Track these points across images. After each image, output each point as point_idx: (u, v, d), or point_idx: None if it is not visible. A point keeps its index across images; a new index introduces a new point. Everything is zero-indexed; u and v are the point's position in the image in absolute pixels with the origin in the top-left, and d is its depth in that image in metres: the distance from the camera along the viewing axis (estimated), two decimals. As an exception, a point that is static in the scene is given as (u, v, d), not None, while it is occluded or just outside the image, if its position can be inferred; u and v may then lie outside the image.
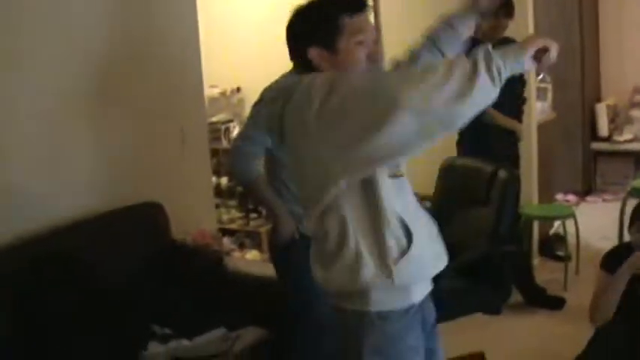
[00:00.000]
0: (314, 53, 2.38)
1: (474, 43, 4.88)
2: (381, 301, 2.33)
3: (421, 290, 2.44)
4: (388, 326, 2.35)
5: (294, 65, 2.58)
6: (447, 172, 4.74)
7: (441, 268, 2.46)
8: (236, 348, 3.52)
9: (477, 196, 4.43)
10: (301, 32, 2.44)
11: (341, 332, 2.44)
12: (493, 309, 4.85)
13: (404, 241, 2.30)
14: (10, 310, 3.22)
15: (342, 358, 2.45)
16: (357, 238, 2.28)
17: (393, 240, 2.29)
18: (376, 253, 2.29)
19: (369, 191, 2.28)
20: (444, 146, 4.15)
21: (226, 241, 6.40)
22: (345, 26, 2.37)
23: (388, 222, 2.28)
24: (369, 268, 2.28)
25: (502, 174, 4.39)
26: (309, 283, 2.56)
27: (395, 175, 2.34)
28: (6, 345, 3.12)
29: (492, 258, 4.16)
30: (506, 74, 2.11)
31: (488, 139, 5.00)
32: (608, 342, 3.66)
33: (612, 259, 3.79)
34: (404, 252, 2.30)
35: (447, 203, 4.58)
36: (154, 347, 3.46)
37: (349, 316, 2.38)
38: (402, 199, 2.36)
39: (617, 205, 5.97)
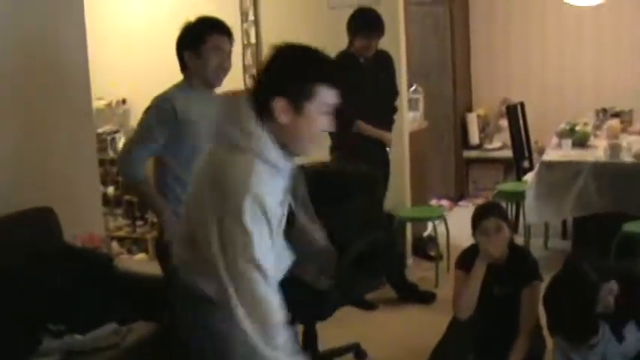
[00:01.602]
0: (278, 105, 2.40)
1: (350, 57, 5.28)
2: None
3: None
4: None
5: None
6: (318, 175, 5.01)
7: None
8: (127, 340, 3.73)
9: (343, 194, 4.71)
10: (274, 80, 2.45)
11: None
12: (363, 299, 5.18)
13: None
14: None
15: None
16: None
17: None
18: None
19: None
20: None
21: (115, 246, 6.58)
22: (319, 94, 2.42)
23: None
24: None
25: (365, 175, 4.69)
26: None
27: None
28: None
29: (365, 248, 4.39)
30: None
31: (358, 146, 5.34)
32: (460, 328, 4.06)
33: (466, 259, 4.20)
34: None
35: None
36: (49, 342, 3.64)
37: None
38: None
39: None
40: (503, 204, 6.51)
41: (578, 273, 3.45)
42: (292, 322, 2.81)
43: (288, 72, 2.44)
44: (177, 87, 3.84)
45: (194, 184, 2.65)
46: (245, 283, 2.36)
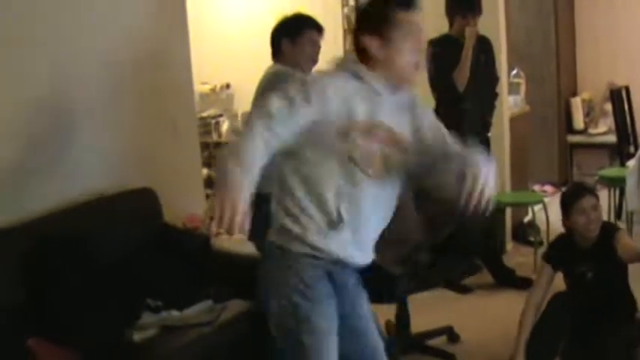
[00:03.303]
0: (369, 40, 2.67)
1: (451, 40, 5.29)
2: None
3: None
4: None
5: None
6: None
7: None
8: (222, 318, 3.85)
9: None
10: (361, 19, 2.80)
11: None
12: (459, 283, 5.19)
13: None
14: (22, 284, 3.57)
15: None
16: None
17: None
18: None
19: None
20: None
21: (213, 226, 6.70)
22: (403, 22, 2.66)
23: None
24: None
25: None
26: None
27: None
28: (20, 315, 3.46)
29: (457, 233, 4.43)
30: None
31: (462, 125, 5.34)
32: (553, 316, 4.05)
33: (555, 252, 4.21)
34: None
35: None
36: (147, 317, 3.79)
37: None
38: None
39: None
40: (605, 190, 6.42)
41: None
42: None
43: (371, 6, 2.73)
44: (271, 68, 4.19)
45: None
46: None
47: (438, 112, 5.21)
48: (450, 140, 2.84)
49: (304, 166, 2.65)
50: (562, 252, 4.14)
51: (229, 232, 2.35)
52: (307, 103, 2.53)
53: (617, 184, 6.78)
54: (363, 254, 2.80)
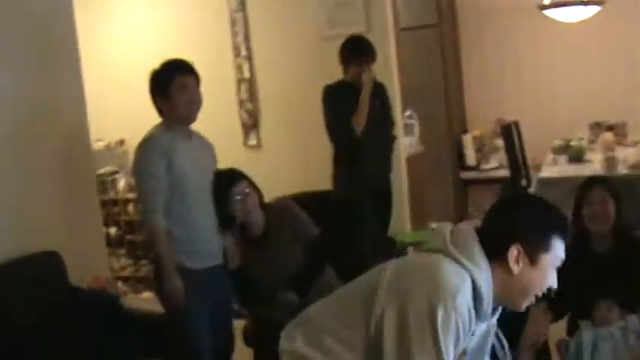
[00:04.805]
0: (515, 252, 2.31)
1: (347, 86, 5.34)
2: None
3: None
4: None
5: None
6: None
7: None
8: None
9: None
10: (515, 226, 2.34)
11: None
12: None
13: None
14: None
15: None
16: None
17: None
18: None
19: None
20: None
21: (120, 286, 6.60)
22: (556, 248, 2.35)
23: None
24: None
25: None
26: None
27: None
28: None
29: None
30: None
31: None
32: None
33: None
34: None
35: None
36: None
37: None
38: None
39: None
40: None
41: None
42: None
43: (533, 222, 2.34)
44: (158, 128, 4.02)
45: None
46: None
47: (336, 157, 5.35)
48: None
49: None
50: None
51: None
52: None
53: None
54: None
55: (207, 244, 3.96)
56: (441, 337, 2.15)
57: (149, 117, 4.08)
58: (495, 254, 2.30)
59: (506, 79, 9.11)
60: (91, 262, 4.86)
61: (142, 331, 4.11)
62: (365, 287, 2.38)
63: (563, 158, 6.69)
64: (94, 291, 4.45)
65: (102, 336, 4.02)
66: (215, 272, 3.98)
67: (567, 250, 2.40)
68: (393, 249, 5.82)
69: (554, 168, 6.56)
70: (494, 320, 2.44)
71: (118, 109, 7.19)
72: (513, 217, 2.37)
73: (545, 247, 2.32)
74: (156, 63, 4.00)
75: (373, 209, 5.49)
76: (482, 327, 2.38)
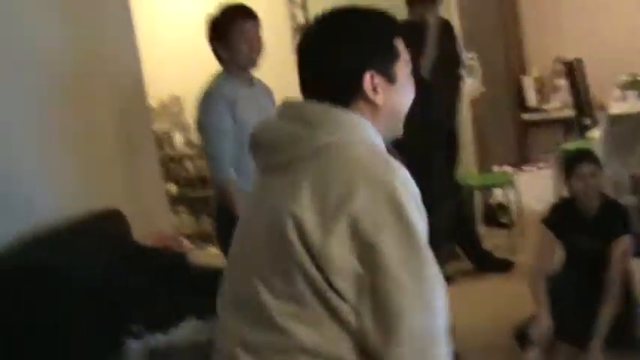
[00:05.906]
0: (369, 80, 1.81)
1: (414, 25, 5.17)
2: None
3: None
4: None
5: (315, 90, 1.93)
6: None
7: None
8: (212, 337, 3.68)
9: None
10: (353, 53, 1.82)
11: None
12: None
13: None
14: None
15: None
16: None
17: None
18: None
19: None
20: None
21: (185, 242, 6.55)
22: (401, 50, 1.89)
23: None
24: None
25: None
26: None
27: None
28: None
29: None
30: None
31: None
32: (558, 291, 3.96)
33: (555, 216, 4.16)
34: None
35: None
36: (131, 344, 3.62)
37: None
38: None
39: (551, 171, 6.26)
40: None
41: None
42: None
43: (365, 42, 1.85)
44: (219, 78, 3.85)
45: None
46: None
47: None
48: None
49: None
50: (563, 217, 4.13)
51: None
52: None
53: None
54: None
55: None
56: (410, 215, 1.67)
57: (204, 73, 3.96)
58: (351, 99, 1.84)
59: (564, 17, 8.81)
60: (153, 219, 4.81)
61: (212, 287, 4.01)
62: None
63: (632, 94, 6.45)
64: (160, 249, 4.37)
65: (170, 294, 3.93)
66: None
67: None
68: (459, 193, 5.69)
69: (623, 104, 6.32)
70: None
71: (172, 67, 7.09)
72: (339, 50, 1.83)
73: (393, 55, 1.87)
74: (209, 12, 3.84)
75: (441, 153, 5.33)
76: None
